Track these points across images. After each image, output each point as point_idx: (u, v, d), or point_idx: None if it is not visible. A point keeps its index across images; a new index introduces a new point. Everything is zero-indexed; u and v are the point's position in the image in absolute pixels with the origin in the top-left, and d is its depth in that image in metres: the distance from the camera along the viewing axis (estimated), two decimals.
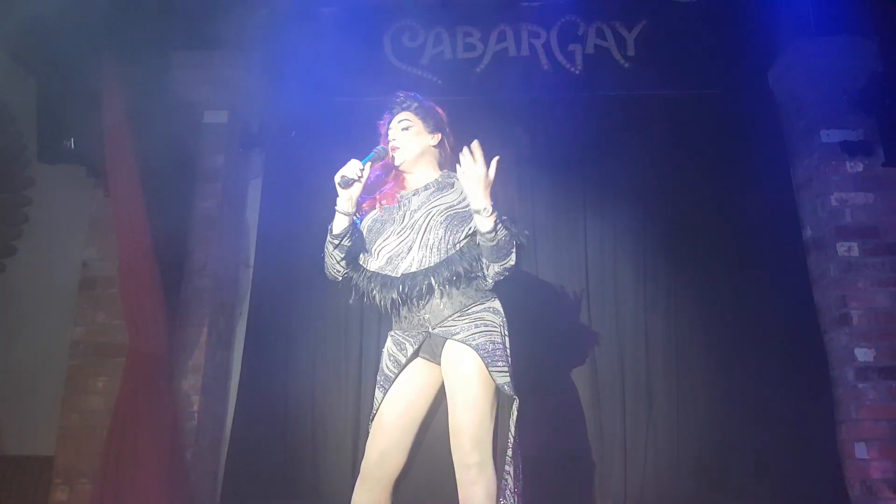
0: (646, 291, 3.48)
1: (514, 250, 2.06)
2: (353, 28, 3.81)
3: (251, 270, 3.70)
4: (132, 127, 3.12)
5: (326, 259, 2.19)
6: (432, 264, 2.09)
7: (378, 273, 2.13)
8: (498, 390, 2.02)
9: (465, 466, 1.97)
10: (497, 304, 2.15)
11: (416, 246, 2.12)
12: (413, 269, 2.09)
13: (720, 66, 3.64)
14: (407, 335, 2.15)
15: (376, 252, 2.17)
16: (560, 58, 3.80)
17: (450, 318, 2.08)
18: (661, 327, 3.43)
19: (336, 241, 2.14)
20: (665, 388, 3.34)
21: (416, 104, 2.27)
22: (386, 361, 2.17)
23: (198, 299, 3.42)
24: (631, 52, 3.77)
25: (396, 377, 2.13)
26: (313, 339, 3.53)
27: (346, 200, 2.12)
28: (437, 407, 2.18)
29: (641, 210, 3.59)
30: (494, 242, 2.01)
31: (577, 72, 3.78)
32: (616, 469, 3.24)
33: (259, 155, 3.86)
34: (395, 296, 2.07)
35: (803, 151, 3.52)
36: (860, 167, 3.35)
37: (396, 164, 2.25)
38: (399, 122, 2.26)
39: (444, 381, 2.09)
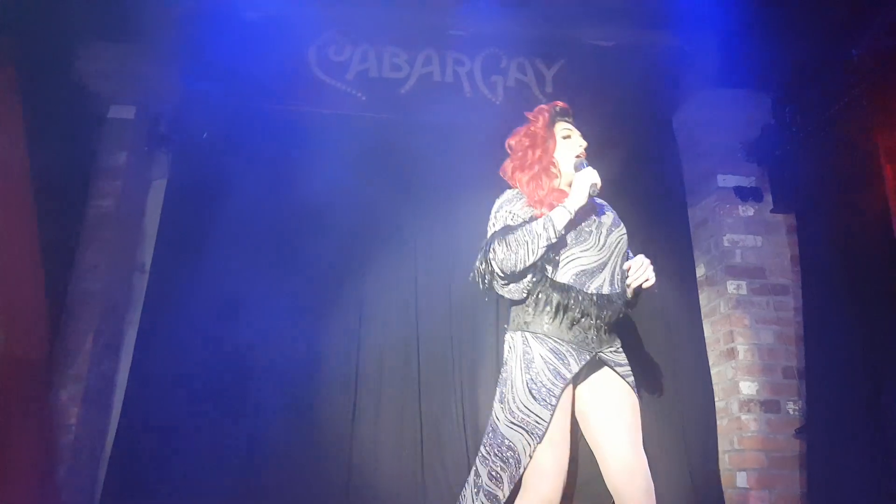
0: None
1: None
2: (278, 35, 3.72)
3: (146, 276, 3.48)
4: (24, 115, 2.89)
5: (526, 254, 2.03)
6: (619, 290, 2.13)
7: (572, 286, 2.07)
8: None
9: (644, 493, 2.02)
10: None
11: (608, 267, 2.13)
12: (605, 291, 2.09)
13: (630, 108, 3.81)
14: (570, 347, 2.05)
15: (565, 261, 2.10)
16: (482, 87, 3.88)
17: (609, 348, 2.13)
18: None
19: (555, 238, 2.05)
20: None
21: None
22: (544, 371, 2.02)
23: (85, 303, 3.18)
24: (549, 89, 3.89)
25: (562, 392, 2.02)
26: None
27: (580, 206, 2.10)
28: None
29: None
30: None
31: (498, 102, 3.87)
32: None
33: (165, 155, 3.66)
34: (593, 311, 2.04)
35: (701, 193, 3.75)
36: (751, 212, 3.60)
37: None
38: (580, 138, 2.31)
39: (604, 406, 2.12)
